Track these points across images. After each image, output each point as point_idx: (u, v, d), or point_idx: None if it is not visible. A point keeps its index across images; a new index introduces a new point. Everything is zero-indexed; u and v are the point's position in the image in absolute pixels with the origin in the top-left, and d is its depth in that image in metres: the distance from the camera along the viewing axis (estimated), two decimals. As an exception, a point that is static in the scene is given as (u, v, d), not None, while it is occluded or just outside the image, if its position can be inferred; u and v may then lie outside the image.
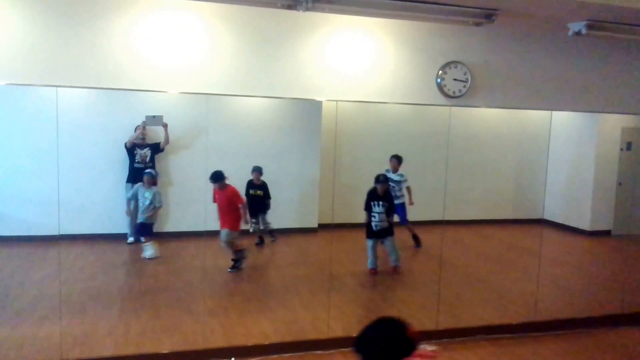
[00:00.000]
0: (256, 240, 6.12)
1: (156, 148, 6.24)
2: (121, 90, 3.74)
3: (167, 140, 6.18)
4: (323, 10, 3.61)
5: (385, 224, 5.50)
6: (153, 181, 5.72)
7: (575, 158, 7.15)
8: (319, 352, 4.08)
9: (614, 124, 6.86)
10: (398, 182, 6.17)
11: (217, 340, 4.06)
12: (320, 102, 5.93)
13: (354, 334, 4.00)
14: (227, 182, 5.47)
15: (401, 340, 1.57)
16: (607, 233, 6.81)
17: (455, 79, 4.27)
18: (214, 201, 5.55)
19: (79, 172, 5.21)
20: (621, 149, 6.95)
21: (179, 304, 4.73)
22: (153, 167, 6.27)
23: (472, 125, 6.66)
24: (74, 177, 5.18)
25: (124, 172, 6.16)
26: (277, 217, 6.33)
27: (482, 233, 7.09)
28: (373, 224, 5.50)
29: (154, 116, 5.78)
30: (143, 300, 4.81)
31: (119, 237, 5.83)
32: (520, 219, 7.03)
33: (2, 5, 3.37)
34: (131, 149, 6.18)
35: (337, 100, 4.23)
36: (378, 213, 5.50)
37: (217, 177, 5.43)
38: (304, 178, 5.98)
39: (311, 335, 4.23)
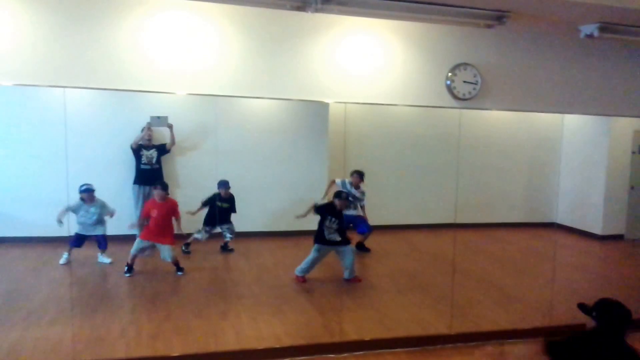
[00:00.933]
0: (221, 243, 6.12)
1: (162, 149, 6.27)
2: (129, 92, 3.76)
3: (172, 141, 6.21)
4: (332, 12, 3.62)
5: (337, 238, 5.32)
6: (92, 196, 5.47)
7: (586, 161, 7.10)
8: (332, 355, 4.04)
9: (626, 127, 6.82)
10: (358, 200, 6.09)
11: (228, 342, 4.04)
12: (327, 104, 5.95)
13: (367, 338, 3.95)
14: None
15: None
16: (619, 237, 6.75)
17: (465, 81, 4.25)
18: (145, 215, 5.42)
19: (87, 173, 5.25)
20: (633, 152, 6.90)
21: (190, 306, 4.72)
22: (160, 168, 6.30)
23: (483, 128, 6.64)
24: (82, 179, 5.22)
25: (131, 174, 6.19)
26: (284, 220, 6.33)
27: (493, 236, 7.05)
28: (325, 233, 5.32)
29: (159, 117, 5.81)
30: (154, 303, 4.80)
31: (128, 238, 5.84)
32: (532, 223, 6.99)
33: (10, 6, 3.40)
34: (137, 150, 6.20)
35: (345, 102, 4.23)
36: (329, 228, 5.30)
37: (165, 187, 5.38)
38: (312, 180, 5.98)
39: (323, 338, 4.20)
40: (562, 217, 6.63)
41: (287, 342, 4.10)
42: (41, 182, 5.50)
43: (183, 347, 3.91)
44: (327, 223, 5.27)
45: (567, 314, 4.94)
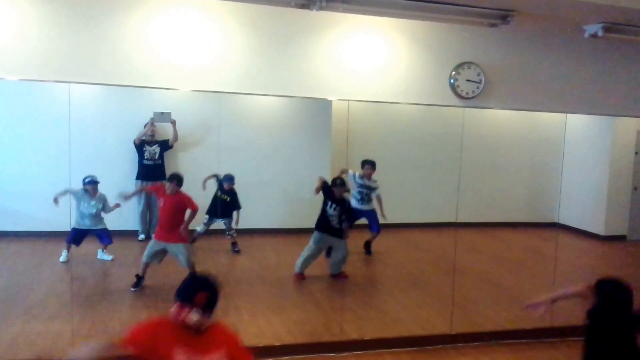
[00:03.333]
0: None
1: (165, 145, 6.26)
2: (132, 87, 3.75)
3: (175, 137, 6.20)
4: (337, 10, 3.60)
5: (336, 226, 5.34)
6: (95, 188, 5.33)
7: (589, 162, 7.07)
8: (332, 354, 4.03)
9: (629, 127, 6.78)
10: (370, 189, 6.05)
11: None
12: (330, 102, 5.92)
13: (367, 337, 3.94)
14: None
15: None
16: (622, 238, 6.72)
17: (468, 80, 4.23)
18: (149, 190, 5.27)
19: (90, 169, 5.23)
20: (636, 153, 6.87)
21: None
22: (162, 164, 6.30)
23: (485, 127, 6.61)
24: (85, 174, 5.20)
25: (134, 169, 6.19)
26: (289, 217, 6.32)
27: (495, 236, 7.02)
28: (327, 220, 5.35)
29: (162, 113, 5.80)
30: (154, 298, 4.80)
31: (130, 234, 5.85)
32: (534, 222, 6.96)
33: (17, 2, 3.39)
34: (140, 146, 6.20)
35: (349, 100, 4.22)
36: (330, 215, 5.34)
37: (180, 179, 4.96)
38: (315, 177, 5.95)
39: (324, 337, 4.20)
40: (565, 217, 6.60)
41: (287, 340, 4.10)
42: (44, 176, 5.49)
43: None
44: (328, 209, 5.30)
45: (568, 315, 4.93)
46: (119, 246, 5.64)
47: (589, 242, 6.78)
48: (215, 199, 5.95)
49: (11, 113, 5.79)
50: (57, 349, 3.71)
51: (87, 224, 5.35)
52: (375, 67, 4.08)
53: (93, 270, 5.23)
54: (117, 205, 5.38)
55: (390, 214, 6.61)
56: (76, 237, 5.28)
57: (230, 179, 5.85)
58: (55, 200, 4.89)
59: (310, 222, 5.81)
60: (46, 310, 4.32)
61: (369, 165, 6.02)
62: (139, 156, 6.19)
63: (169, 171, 6.16)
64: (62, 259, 5.42)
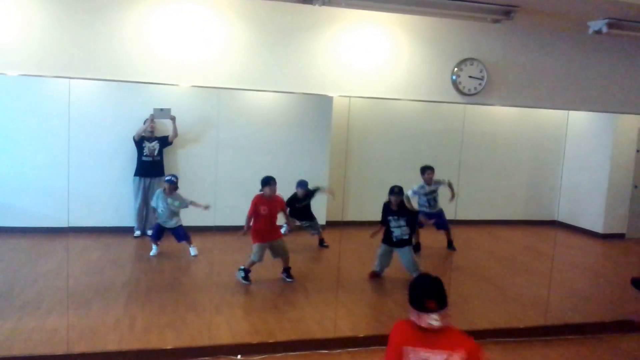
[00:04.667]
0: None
1: (164, 141, 6.20)
2: (132, 83, 3.71)
3: (175, 134, 6.14)
4: (339, 5, 3.55)
5: (406, 236, 5.28)
6: (175, 187, 5.62)
7: (589, 159, 7.03)
8: (326, 351, 4.03)
9: (631, 125, 6.73)
10: (435, 191, 5.98)
11: (222, 336, 4.02)
12: (330, 98, 5.86)
13: (361, 334, 3.91)
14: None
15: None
16: (620, 236, 6.69)
17: (470, 76, 4.18)
18: (257, 212, 5.18)
19: (89, 164, 5.18)
20: (637, 151, 6.82)
21: (184, 299, 4.69)
22: (161, 160, 6.24)
23: (486, 124, 6.55)
24: (84, 170, 5.15)
25: (133, 165, 6.14)
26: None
27: (493, 233, 6.99)
28: (393, 236, 5.30)
29: (161, 109, 5.75)
30: (149, 295, 4.78)
31: (126, 231, 5.81)
32: (533, 220, 6.93)
33: (15, -4, 3.34)
34: (139, 142, 6.14)
35: (349, 96, 4.16)
36: (398, 227, 5.27)
37: (270, 181, 5.15)
38: (313, 174, 5.92)
39: (318, 334, 4.18)
40: (564, 215, 6.57)
41: (281, 337, 4.08)
42: (42, 172, 5.45)
43: (176, 341, 3.89)
44: (393, 224, 5.24)
45: (565, 313, 4.92)
46: (113, 243, 5.61)
47: (588, 240, 6.76)
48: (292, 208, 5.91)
49: (11, 108, 5.73)
50: (52, 345, 3.69)
51: (166, 222, 5.60)
52: (377, 63, 4.02)
53: (88, 267, 5.19)
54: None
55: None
56: (158, 233, 5.62)
57: (303, 184, 5.86)
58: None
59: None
60: (42, 307, 4.28)
61: (429, 170, 5.96)
62: (138, 152, 6.14)
63: (167, 168, 6.12)
64: (152, 253, 5.62)
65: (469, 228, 6.20)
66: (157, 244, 5.68)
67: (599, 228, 6.72)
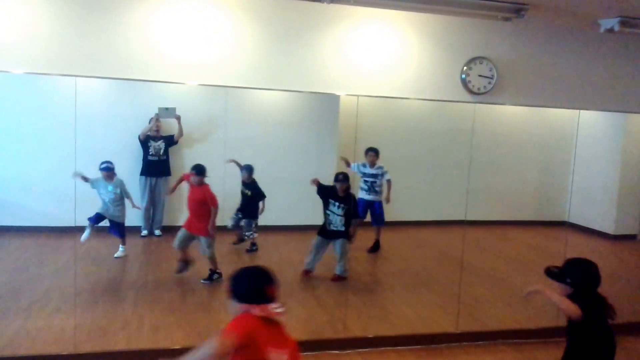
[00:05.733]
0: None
1: (170, 140, 6.20)
2: (138, 82, 3.69)
3: (180, 133, 6.14)
4: (348, 3, 3.52)
5: (341, 228, 5.12)
6: (110, 175, 5.33)
7: (600, 159, 6.96)
8: (336, 351, 3.99)
9: (642, 125, 6.66)
10: (376, 176, 5.89)
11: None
12: (338, 97, 5.83)
13: (371, 335, 3.85)
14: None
15: (261, 288, 2.01)
16: (632, 237, 6.62)
17: (480, 75, 4.14)
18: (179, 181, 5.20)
19: (95, 164, 5.17)
20: (649, 151, 6.75)
21: (192, 298, 4.68)
22: (167, 159, 6.24)
23: (495, 124, 6.51)
24: (90, 170, 5.14)
25: (139, 165, 6.13)
26: (293, 213, 6.25)
27: (503, 234, 6.94)
28: (327, 223, 5.15)
29: (166, 108, 5.74)
30: (157, 294, 4.77)
31: (133, 230, 5.80)
32: (543, 221, 6.87)
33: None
34: (145, 142, 6.14)
35: (357, 95, 4.13)
36: (334, 214, 5.10)
37: (201, 170, 4.95)
38: (321, 173, 5.87)
39: (327, 334, 4.15)
40: (575, 215, 6.49)
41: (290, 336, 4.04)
42: (48, 172, 5.45)
43: (185, 340, 3.87)
44: (331, 207, 5.10)
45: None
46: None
47: (599, 241, 6.68)
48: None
49: (17, 107, 5.75)
50: (59, 344, 3.68)
51: (108, 210, 5.36)
52: (385, 61, 3.99)
53: (96, 266, 5.18)
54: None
55: (396, 211, 6.54)
56: (97, 219, 5.35)
57: (248, 169, 5.69)
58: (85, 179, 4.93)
59: (315, 219, 5.73)
60: (48, 306, 4.28)
61: (372, 152, 5.88)
62: (143, 152, 6.14)
63: (173, 167, 6.11)
64: (83, 238, 5.24)
65: (478, 228, 6.15)
66: (92, 228, 5.30)
67: (610, 229, 6.65)
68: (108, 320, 4.11)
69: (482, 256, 6.29)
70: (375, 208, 5.95)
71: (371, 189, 5.94)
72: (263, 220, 5.87)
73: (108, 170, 5.29)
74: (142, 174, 6.14)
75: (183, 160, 6.27)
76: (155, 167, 6.17)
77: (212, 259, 5.02)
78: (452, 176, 6.04)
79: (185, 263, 5.09)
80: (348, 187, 5.15)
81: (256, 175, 5.74)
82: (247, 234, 5.74)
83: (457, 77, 4.12)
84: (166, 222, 6.19)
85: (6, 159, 5.52)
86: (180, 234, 5.01)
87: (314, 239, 5.24)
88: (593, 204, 6.91)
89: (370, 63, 3.96)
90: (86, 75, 3.55)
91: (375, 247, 6.12)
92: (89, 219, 5.25)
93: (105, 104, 5.84)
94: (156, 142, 6.17)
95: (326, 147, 6.48)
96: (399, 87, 4.06)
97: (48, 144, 5.60)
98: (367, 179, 5.93)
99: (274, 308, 2.00)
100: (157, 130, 6.18)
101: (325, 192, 5.16)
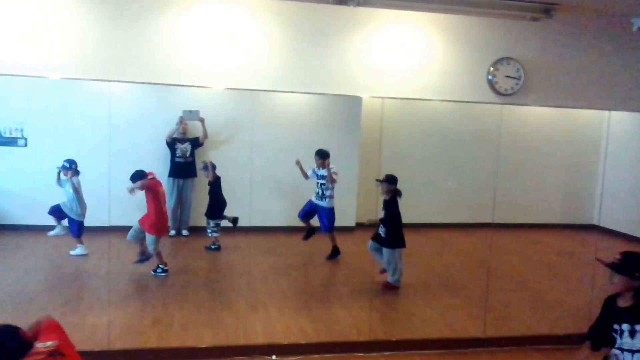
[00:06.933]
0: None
1: (196, 143, 6.33)
2: (167, 86, 3.78)
3: (205, 135, 6.26)
4: (374, 5, 3.54)
5: (383, 234, 5.02)
6: (71, 173, 5.33)
7: (631, 160, 6.75)
8: (361, 354, 3.99)
9: (676, 125, 6.45)
10: (324, 178, 5.74)
11: (257, 336, 4.05)
12: (360, 99, 5.84)
13: (396, 338, 3.82)
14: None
15: (14, 342, 1.75)
16: (665, 242, 6.40)
17: (507, 76, 4.09)
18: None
19: (126, 166, 5.30)
20: (682, 153, 6.52)
21: (219, 298, 4.75)
22: (193, 161, 6.37)
23: (522, 125, 6.41)
24: (122, 172, 5.27)
25: (167, 167, 6.27)
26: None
27: (530, 238, 6.80)
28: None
29: (190, 111, 5.86)
30: (185, 293, 4.86)
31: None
32: (570, 224, 6.72)
33: (56, 3, 3.46)
34: (172, 144, 6.29)
35: (382, 97, 4.14)
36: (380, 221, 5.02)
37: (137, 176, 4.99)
38: (342, 176, 5.90)
39: (352, 336, 4.16)
40: (606, 219, 6.32)
41: (315, 338, 4.07)
42: (83, 174, 5.60)
43: (212, 339, 3.94)
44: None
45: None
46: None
47: (630, 246, 6.46)
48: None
49: (52, 111, 5.96)
50: (93, 341, 3.79)
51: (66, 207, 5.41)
52: (410, 63, 3.99)
53: (127, 265, 5.30)
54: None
55: (421, 214, 6.48)
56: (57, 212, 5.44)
57: (206, 167, 5.77)
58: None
59: (338, 221, 5.74)
60: (83, 303, 4.41)
61: (317, 156, 5.72)
62: (170, 154, 6.28)
63: (199, 169, 6.21)
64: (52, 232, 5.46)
65: (504, 232, 6.05)
66: (60, 224, 5.46)
67: (641, 233, 6.45)
68: (139, 318, 4.22)
69: (508, 260, 6.20)
70: (323, 215, 5.78)
71: (319, 191, 5.79)
72: (285, 221, 5.92)
73: (65, 169, 5.32)
74: (169, 175, 6.28)
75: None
76: (182, 168, 6.30)
77: None
78: (477, 178, 5.98)
79: None
80: (394, 191, 4.99)
81: (279, 177, 5.80)
82: (209, 231, 5.86)
83: (483, 78, 4.09)
84: (193, 222, 6.31)
85: (44, 161, 5.71)
86: None
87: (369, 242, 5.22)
88: (623, 207, 6.71)
89: (396, 65, 3.97)
90: (120, 80, 3.65)
91: (334, 254, 5.90)
92: (50, 213, 5.37)
93: (136, 108, 5.99)
94: (183, 144, 6.30)
95: (348, 149, 6.49)
96: (424, 89, 4.05)
97: (83, 146, 5.76)
98: (319, 180, 5.80)
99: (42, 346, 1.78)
100: (184, 133, 6.32)
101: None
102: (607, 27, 4.19)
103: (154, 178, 5.16)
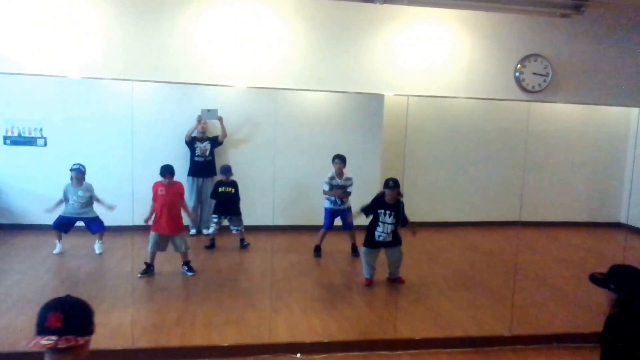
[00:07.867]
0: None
1: (215, 141, 6.33)
2: (187, 85, 3.77)
3: (224, 134, 6.26)
4: (401, 3, 3.50)
5: (390, 237, 4.96)
6: (81, 177, 5.42)
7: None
8: (385, 352, 3.97)
9: None
10: (344, 188, 5.64)
11: (281, 335, 4.04)
12: (382, 97, 5.79)
13: (421, 336, 3.75)
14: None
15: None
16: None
17: (534, 73, 4.03)
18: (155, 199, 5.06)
19: (147, 165, 5.33)
20: None
21: (242, 296, 4.75)
22: (212, 160, 6.37)
23: (549, 122, 6.32)
24: (144, 171, 5.29)
25: (186, 166, 6.29)
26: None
27: (556, 236, 6.70)
28: (376, 234, 4.96)
29: (208, 110, 5.87)
30: (208, 292, 4.87)
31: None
32: (596, 222, 6.61)
33: (79, 3, 3.47)
34: (191, 143, 6.29)
35: (407, 95, 4.10)
36: (385, 224, 4.92)
37: (168, 170, 4.98)
38: (365, 174, 5.86)
39: (376, 335, 4.14)
40: (633, 217, 6.20)
41: (339, 337, 4.06)
42: (106, 173, 5.64)
43: (236, 338, 3.94)
44: (382, 218, 4.93)
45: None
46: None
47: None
48: (215, 195, 5.85)
49: (71, 110, 6.00)
50: (117, 339, 3.81)
51: (77, 212, 5.45)
52: (436, 61, 3.95)
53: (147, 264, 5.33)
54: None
55: (446, 212, 6.41)
56: (62, 225, 5.48)
57: (226, 170, 5.81)
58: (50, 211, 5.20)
59: (359, 219, 5.70)
60: (106, 301, 4.44)
61: (337, 159, 5.52)
62: (190, 153, 6.29)
63: (219, 168, 6.21)
64: (55, 251, 5.49)
65: (529, 230, 5.97)
66: (60, 239, 5.48)
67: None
68: (162, 317, 4.23)
69: (533, 258, 6.12)
70: (347, 215, 5.72)
71: (338, 199, 5.69)
72: (308, 220, 5.89)
73: (78, 173, 5.35)
74: (189, 174, 6.29)
75: (228, 160, 6.38)
76: (202, 167, 6.32)
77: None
78: (503, 176, 5.90)
79: None
80: (398, 194, 4.94)
81: (300, 175, 5.78)
82: (234, 229, 5.89)
83: (510, 75, 4.04)
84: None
85: (63, 161, 5.75)
86: None
87: (362, 250, 5.18)
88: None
89: (421, 62, 3.93)
90: (142, 80, 3.64)
91: (355, 251, 5.90)
92: (55, 228, 5.42)
93: (156, 107, 6.01)
94: (202, 143, 6.30)
95: (371, 147, 6.44)
96: (450, 86, 4.00)
97: (107, 146, 5.79)
98: (337, 190, 5.65)
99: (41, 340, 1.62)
100: (203, 132, 6.33)
101: (373, 207, 4.98)
102: (637, 22, 4.10)
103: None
